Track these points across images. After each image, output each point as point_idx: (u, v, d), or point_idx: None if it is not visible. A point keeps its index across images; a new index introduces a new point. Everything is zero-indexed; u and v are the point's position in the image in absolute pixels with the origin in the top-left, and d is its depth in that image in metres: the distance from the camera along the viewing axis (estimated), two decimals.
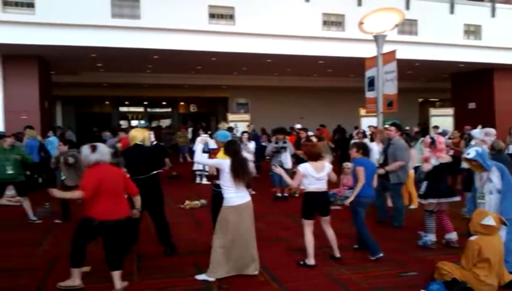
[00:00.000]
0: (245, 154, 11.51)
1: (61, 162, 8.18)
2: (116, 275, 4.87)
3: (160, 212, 6.21)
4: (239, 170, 5.23)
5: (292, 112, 25.38)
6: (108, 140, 12.51)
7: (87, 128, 26.11)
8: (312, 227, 5.74)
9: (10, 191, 9.35)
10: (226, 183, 5.27)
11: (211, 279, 5.14)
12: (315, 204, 5.74)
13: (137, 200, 5.29)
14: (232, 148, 5.45)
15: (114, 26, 14.54)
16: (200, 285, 5.13)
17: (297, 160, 11.09)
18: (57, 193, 4.85)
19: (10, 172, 8.14)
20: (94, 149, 4.82)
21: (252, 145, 12.09)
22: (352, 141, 11.82)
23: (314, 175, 5.66)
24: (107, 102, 32.17)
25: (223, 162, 5.34)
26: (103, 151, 4.89)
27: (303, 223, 5.75)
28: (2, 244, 5.98)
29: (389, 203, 8.71)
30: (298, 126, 16.37)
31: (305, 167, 5.69)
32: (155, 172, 6.16)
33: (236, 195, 5.26)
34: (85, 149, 4.85)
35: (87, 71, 21.33)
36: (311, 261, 5.67)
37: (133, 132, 6.44)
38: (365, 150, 6.38)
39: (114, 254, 4.87)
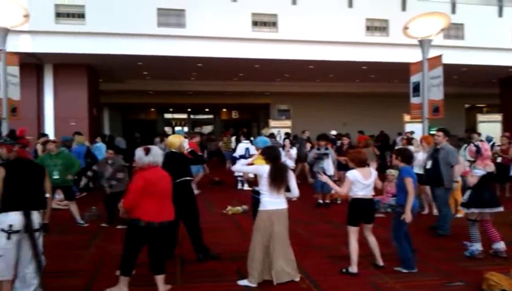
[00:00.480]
0: (288, 160, 11.62)
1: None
2: (160, 279, 4.99)
3: (191, 218, 6.26)
4: (276, 176, 5.25)
5: (334, 118, 25.19)
6: (157, 145, 12.82)
7: (130, 134, 26.82)
8: (357, 234, 5.68)
9: (59, 195, 9.71)
10: (264, 187, 5.31)
11: (253, 285, 5.18)
12: (362, 211, 5.68)
13: None
14: (271, 153, 5.48)
15: (160, 35, 14.93)
16: (242, 290, 5.18)
17: (339, 167, 11.05)
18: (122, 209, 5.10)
19: (56, 177, 8.30)
20: (148, 151, 4.98)
21: (294, 151, 12.10)
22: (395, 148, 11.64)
23: (362, 182, 5.60)
24: (152, 109, 32.95)
25: (261, 168, 5.39)
26: (157, 154, 5.04)
27: (348, 230, 5.68)
28: (51, 246, 6.21)
29: (435, 211, 8.54)
30: (333, 132, 16.27)
31: (353, 174, 5.63)
32: (183, 179, 6.19)
33: (271, 200, 5.27)
34: (139, 151, 5.02)
35: (134, 79, 21.94)
36: (354, 269, 5.61)
37: (170, 139, 6.58)
38: (405, 156, 6.07)
39: (157, 258, 4.98)
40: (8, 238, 4.25)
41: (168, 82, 22.62)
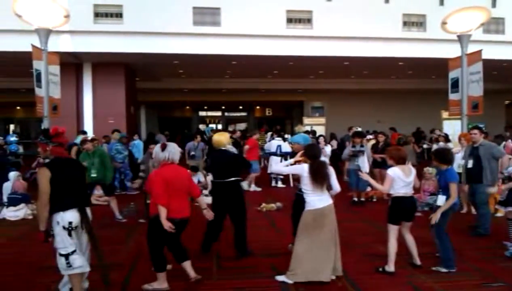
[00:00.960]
0: (322, 157, 11.55)
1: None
2: (187, 265, 5.11)
3: (238, 217, 6.31)
4: (316, 174, 5.21)
5: (368, 115, 24.94)
6: (187, 143, 12.99)
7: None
8: (397, 233, 5.62)
9: (98, 191, 9.96)
10: (307, 186, 5.27)
11: (290, 281, 5.18)
12: (403, 209, 5.61)
13: (201, 200, 5.41)
14: (311, 151, 5.47)
15: (195, 33, 15.09)
16: (277, 286, 5.19)
17: (374, 164, 10.91)
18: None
19: (93, 175, 8.54)
20: (164, 147, 5.07)
21: (328, 148, 12.02)
22: (434, 147, 11.42)
23: (403, 179, 5.52)
24: (187, 107, 33.35)
25: (300, 167, 5.37)
26: (171, 151, 5.10)
27: (389, 228, 5.61)
28: None
29: (473, 210, 8.35)
30: (359, 129, 16.03)
31: (394, 171, 5.56)
32: (234, 178, 6.26)
33: (316, 198, 5.24)
34: (157, 147, 5.15)
35: (169, 77, 22.28)
36: (391, 267, 5.54)
37: (217, 137, 6.57)
38: (444, 158, 5.91)
39: (178, 249, 5.12)
40: (69, 235, 4.42)
41: (203, 80, 22.87)
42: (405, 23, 16.92)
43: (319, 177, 5.22)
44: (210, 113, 34.97)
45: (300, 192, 5.60)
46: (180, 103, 31.61)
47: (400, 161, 5.65)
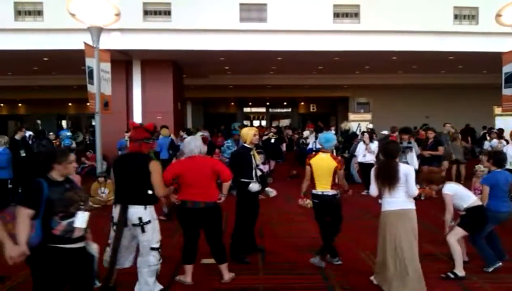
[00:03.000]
0: (367, 154, 11.38)
1: None
2: (224, 268, 5.19)
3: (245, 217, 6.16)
4: (379, 174, 4.94)
5: (416, 111, 24.41)
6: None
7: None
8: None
9: None
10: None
11: (375, 282, 5.07)
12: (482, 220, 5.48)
13: (225, 186, 5.23)
14: (385, 149, 5.15)
15: (242, 30, 15.15)
16: (322, 283, 5.22)
17: (422, 161, 10.66)
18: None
19: None
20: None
21: (374, 145, 11.79)
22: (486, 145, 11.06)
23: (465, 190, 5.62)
24: (232, 103, 33.65)
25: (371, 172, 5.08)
26: (185, 145, 5.25)
27: (456, 231, 5.43)
28: None
29: None
30: (370, 126, 15.60)
31: (450, 188, 5.57)
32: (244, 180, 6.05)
33: (385, 201, 4.93)
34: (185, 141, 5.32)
35: (215, 74, 22.52)
36: (462, 271, 5.33)
37: (244, 131, 6.38)
38: (497, 160, 5.77)
39: (216, 245, 5.14)
40: (113, 228, 4.61)
41: (248, 76, 22.99)
42: (456, 16, 16.40)
43: (381, 177, 4.91)
44: (254, 109, 35.13)
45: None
46: (225, 99, 31.94)
47: (441, 180, 5.61)
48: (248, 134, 6.16)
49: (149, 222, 4.53)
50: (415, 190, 4.89)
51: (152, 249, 4.58)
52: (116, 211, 4.56)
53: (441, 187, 5.54)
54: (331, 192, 5.67)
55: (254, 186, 5.93)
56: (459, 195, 5.48)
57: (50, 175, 3.60)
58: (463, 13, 16.45)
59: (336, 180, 5.74)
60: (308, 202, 9.73)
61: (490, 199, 5.60)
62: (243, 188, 5.98)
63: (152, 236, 4.57)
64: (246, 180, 5.94)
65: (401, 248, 4.72)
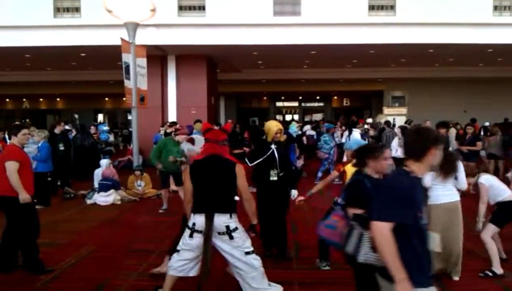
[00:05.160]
0: (399, 149, 11.16)
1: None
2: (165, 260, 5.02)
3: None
4: (442, 165, 4.67)
5: (453, 105, 23.90)
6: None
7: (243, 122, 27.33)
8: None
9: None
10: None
11: None
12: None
13: None
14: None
15: (275, 24, 15.07)
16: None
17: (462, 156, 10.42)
18: None
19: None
20: (193, 142, 5.10)
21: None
22: None
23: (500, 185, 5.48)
24: (265, 98, 33.65)
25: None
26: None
27: (488, 228, 5.33)
28: (168, 227, 6.58)
29: None
30: (369, 120, 15.24)
31: (487, 179, 5.48)
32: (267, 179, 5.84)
33: (441, 193, 4.91)
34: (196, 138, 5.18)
35: (248, 69, 22.56)
36: (500, 269, 5.23)
37: (268, 125, 6.10)
38: None
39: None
40: (191, 236, 4.23)
41: (281, 70, 22.94)
42: (496, 7, 15.86)
43: (444, 168, 4.83)
44: (287, 104, 35.03)
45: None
46: (258, 93, 31.94)
47: (476, 172, 5.56)
48: (271, 129, 5.88)
49: (236, 229, 4.23)
50: (465, 184, 5.13)
51: (247, 253, 4.25)
52: (198, 220, 4.20)
53: (476, 178, 5.43)
54: None
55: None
56: (495, 187, 5.38)
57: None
58: (504, 3, 15.92)
59: None
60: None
61: None
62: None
63: (243, 241, 4.26)
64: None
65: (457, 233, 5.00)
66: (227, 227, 4.18)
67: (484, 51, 17.46)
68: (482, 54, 18.22)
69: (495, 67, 22.36)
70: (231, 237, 4.19)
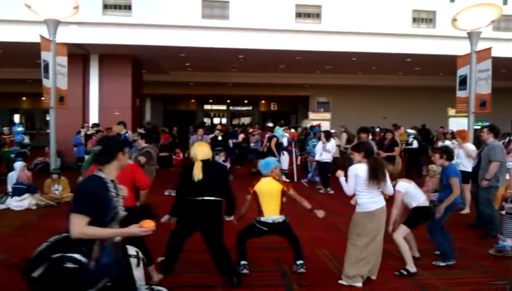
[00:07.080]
0: (323, 153, 11.50)
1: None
2: (151, 269, 5.02)
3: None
4: (374, 173, 4.94)
5: (374, 111, 24.93)
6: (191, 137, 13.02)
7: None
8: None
9: None
10: (359, 187, 5.03)
11: (359, 284, 5.01)
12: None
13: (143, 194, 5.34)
14: (367, 148, 5.20)
15: (203, 26, 14.98)
16: (279, 280, 5.23)
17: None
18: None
19: None
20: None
21: (330, 144, 11.79)
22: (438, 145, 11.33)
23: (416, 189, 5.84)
24: (192, 100, 33.36)
25: (353, 169, 5.06)
26: None
27: (401, 230, 5.54)
28: None
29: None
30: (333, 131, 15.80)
31: (402, 186, 5.70)
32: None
33: (370, 201, 5.04)
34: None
35: (176, 70, 22.23)
36: (413, 267, 5.42)
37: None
38: (449, 155, 6.00)
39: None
40: None
41: (209, 73, 22.84)
42: (414, 19, 16.82)
43: (375, 176, 4.95)
44: (215, 107, 34.97)
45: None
46: (186, 96, 31.59)
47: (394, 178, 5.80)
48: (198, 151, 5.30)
49: None
50: (391, 189, 5.29)
51: None
52: None
53: (394, 184, 5.62)
54: (281, 218, 5.37)
55: None
56: (410, 193, 5.63)
57: None
58: (421, 16, 16.89)
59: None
60: None
61: (445, 190, 5.81)
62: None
63: None
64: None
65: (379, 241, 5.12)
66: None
67: (403, 60, 18.41)
68: (401, 63, 19.20)
69: (413, 76, 23.64)
70: None
